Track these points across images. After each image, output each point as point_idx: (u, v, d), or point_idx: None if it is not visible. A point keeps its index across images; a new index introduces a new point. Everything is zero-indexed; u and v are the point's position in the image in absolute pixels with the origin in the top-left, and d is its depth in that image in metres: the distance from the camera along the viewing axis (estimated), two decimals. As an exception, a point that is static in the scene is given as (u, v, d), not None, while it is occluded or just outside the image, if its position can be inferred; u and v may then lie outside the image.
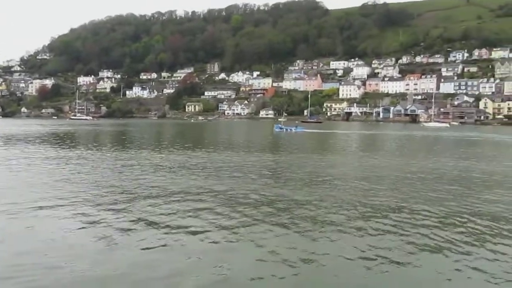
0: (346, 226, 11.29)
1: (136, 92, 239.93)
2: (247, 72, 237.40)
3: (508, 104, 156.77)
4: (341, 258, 8.97)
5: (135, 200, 14.08)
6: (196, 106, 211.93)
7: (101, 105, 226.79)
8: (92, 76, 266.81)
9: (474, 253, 9.41)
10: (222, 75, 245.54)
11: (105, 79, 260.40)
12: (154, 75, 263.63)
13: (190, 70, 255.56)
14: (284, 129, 69.55)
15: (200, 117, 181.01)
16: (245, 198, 14.61)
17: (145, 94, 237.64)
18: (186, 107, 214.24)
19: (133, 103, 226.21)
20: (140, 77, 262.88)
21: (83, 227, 10.77)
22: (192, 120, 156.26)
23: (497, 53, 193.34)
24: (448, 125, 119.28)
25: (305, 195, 15.26)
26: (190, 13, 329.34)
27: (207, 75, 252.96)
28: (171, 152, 30.65)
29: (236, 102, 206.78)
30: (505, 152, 38.78)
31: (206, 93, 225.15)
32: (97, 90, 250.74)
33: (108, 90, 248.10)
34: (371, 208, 13.38)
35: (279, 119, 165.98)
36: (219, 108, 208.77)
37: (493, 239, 10.40)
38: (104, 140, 50.03)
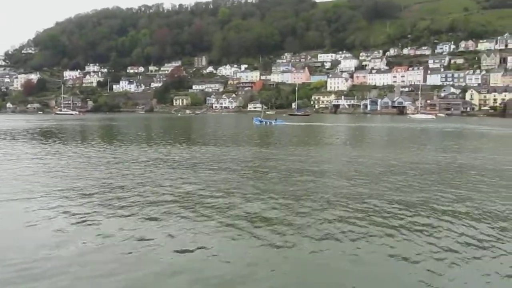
0: (320, 218, 11.06)
1: (123, 86, 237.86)
2: (235, 65, 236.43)
3: (494, 96, 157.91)
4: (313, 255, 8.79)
5: (101, 193, 13.84)
6: (184, 100, 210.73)
7: (87, 99, 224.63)
8: (78, 71, 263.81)
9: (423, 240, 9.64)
10: (210, 69, 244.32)
11: (92, 73, 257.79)
12: (141, 69, 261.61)
13: (177, 63, 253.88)
14: (264, 122, 68.86)
15: (187, 111, 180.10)
16: (208, 195, 14.28)
17: (132, 88, 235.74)
18: (174, 101, 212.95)
19: (120, 98, 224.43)
20: (127, 71, 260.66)
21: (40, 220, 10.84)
22: (178, 114, 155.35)
23: (483, 45, 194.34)
24: (434, 116, 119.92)
25: (280, 189, 14.98)
26: (177, 6, 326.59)
27: (194, 69, 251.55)
28: (150, 147, 30.26)
29: (224, 95, 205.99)
30: (486, 143, 38.83)
31: (193, 87, 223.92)
32: (84, 85, 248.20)
33: (94, 84, 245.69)
34: (346, 201, 13.15)
35: (266, 112, 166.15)
36: (207, 102, 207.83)
37: (456, 229, 10.37)
38: (86, 135, 49.33)
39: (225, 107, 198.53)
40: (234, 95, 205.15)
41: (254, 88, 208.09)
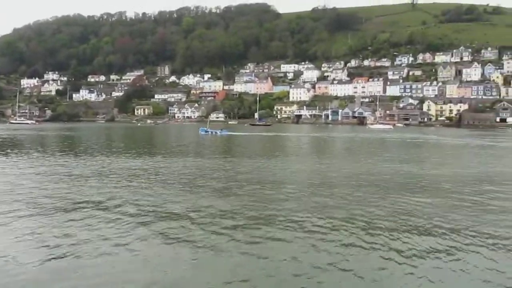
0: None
1: (83, 95, 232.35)
2: (198, 75, 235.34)
3: (450, 107, 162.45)
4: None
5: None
6: (146, 109, 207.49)
7: (46, 108, 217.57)
8: (37, 79, 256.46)
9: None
10: (173, 78, 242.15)
11: (51, 82, 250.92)
12: (102, 78, 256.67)
13: (140, 72, 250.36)
14: (210, 132, 69.17)
15: (148, 121, 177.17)
16: (144, 208, 13.51)
17: (92, 97, 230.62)
18: (136, 110, 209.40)
19: (80, 107, 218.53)
20: (88, 79, 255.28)
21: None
22: (138, 124, 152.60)
23: (440, 58, 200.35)
24: (392, 127, 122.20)
25: (214, 203, 14.29)
26: (140, 15, 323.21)
27: (157, 78, 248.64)
28: (94, 158, 29.07)
29: (186, 105, 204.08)
30: (435, 154, 39.30)
31: (156, 96, 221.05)
32: (42, 93, 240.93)
33: (53, 93, 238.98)
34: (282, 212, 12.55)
35: (229, 122, 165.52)
36: (169, 112, 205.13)
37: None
38: (33, 145, 47.24)
39: (188, 117, 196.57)
40: (196, 104, 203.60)
41: (217, 97, 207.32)
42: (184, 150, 38.21)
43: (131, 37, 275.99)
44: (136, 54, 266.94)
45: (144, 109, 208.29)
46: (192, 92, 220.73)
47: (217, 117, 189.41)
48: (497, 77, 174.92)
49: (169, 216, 12.91)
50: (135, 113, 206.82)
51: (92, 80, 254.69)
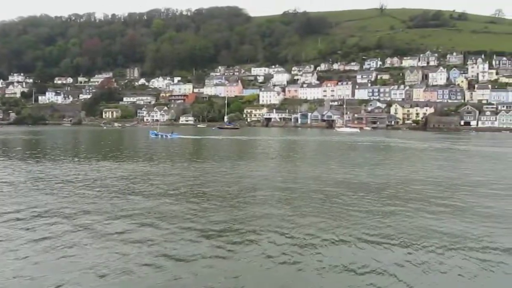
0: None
1: (49, 97, 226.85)
2: (168, 78, 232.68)
3: (416, 110, 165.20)
4: None
5: None
6: (114, 113, 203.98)
7: (10, 111, 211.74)
8: (1, 81, 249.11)
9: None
10: (142, 81, 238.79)
11: (16, 84, 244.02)
12: (69, 80, 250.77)
13: (108, 75, 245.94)
14: (160, 136, 69.50)
15: (116, 124, 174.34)
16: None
17: (59, 99, 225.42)
18: (103, 113, 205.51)
19: (46, 109, 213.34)
20: (54, 81, 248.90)
21: None
22: (104, 127, 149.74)
23: (407, 62, 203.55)
24: (358, 130, 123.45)
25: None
26: (109, 16, 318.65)
27: (126, 80, 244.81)
28: (40, 163, 27.86)
29: (155, 108, 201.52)
30: (390, 157, 39.34)
31: (125, 99, 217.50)
32: (6, 95, 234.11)
33: (18, 95, 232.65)
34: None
35: (198, 125, 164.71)
36: (138, 115, 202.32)
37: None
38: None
39: (157, 120, 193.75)
40: (166, 107, 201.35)
41: (187, 101, 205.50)
42: (120, 155, 37.21)
43: (100, 39, 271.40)
44: (105, 56, 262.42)
45: (112, 112, 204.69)
46: (161, 95, 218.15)
47: (187, 121, 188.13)
48: (462, 81, 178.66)
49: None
50: (103, 116, 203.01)
51: (59, 82, 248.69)
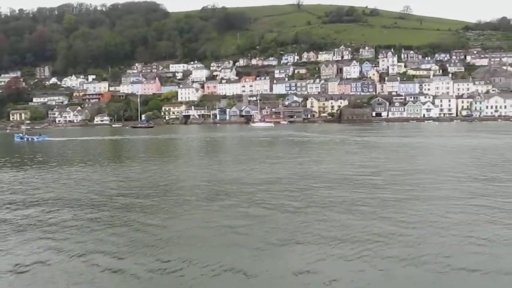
0: None
1: None
2: (82, 76, 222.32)
3: (331, 103, 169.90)
4: None
5: None
6: (23, 114, 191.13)
7: None
8: None
9: None
10: (54, 80, 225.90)
11: None
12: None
13: (16, 74, 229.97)
14: (25, 139, 66.45)
15: (23, 127, 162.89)
16: None
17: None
18: (11, 115, 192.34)
19: None
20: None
21: None
22: (7, 131, 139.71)
23: (322, 56, 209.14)
24: (273, 125, 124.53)
25: None
26: (17, 11, 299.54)
27: (36, 80, 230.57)
28: None
29: (68, 108, 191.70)
30: (285, 152, 38.98)
31: (34, 100, 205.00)
32: None
33: None
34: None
35: (113, 125, 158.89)
36: (50, 116, 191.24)
37: None
38: None
39: (70, 121, 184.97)
40: (79, 107, 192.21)
41: (102, 99, 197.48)
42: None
43: (6, 35, 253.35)
44: (12, 54, 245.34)
45: (21, 114, 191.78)
46: (75, 94, 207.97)
47: (102, 120, 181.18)
48: (373, 74, 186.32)
49: None
50: (11, 119, 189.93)
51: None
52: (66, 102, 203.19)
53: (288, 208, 14.47)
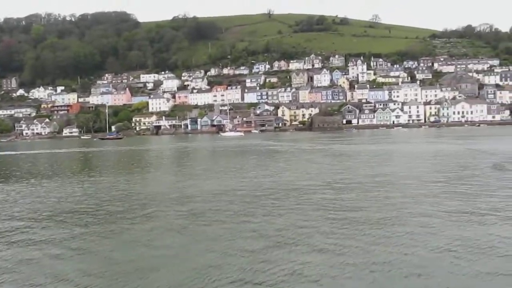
0: None
1: None
2: (50, 88, 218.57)
3: (302, 111, 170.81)
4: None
5: None
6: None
7: None
8: None
9: None
10: (21, 91, 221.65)
11: None
12: None
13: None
14: None
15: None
16: None
17: None
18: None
19: None
20: None
21: None
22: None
23: (293, 65, 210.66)
24: (243, 134, 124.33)
25: None
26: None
27: (2, 92, 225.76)
28: None
29: (35, 120, 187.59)
30: (243, 163, 38.50)
31: (1, 112, 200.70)
32: None
33: None
34: None
35: (82, 137, 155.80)
36: (16, 129, 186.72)
37: None
38: None
39: (37, 133, 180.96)
40: (47, 120, 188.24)
41: (71, 111, 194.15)
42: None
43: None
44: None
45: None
46: (43, 106, 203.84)
47: (71, 132, 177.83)
48: (344, 82, 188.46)
49: None
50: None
51: None
52: (33, 114, 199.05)
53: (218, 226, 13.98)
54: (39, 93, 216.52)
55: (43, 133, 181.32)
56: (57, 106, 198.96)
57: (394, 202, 16.27)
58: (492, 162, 29.33)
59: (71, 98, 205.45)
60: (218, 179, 25.15)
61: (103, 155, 60.49)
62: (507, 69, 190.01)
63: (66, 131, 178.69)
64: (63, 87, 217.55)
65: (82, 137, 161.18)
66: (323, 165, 32.49)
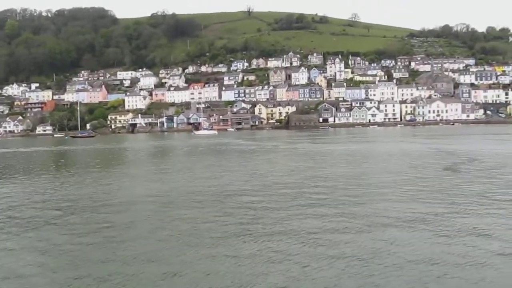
0: None
1: None
2: (24, 84, 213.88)
3: (279, 110, 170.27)
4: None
5: None
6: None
7: None
8: None
9: None
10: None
11: None
12: None
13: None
14: None
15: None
16: None
17: None
18: None
19: None
20: None
21: None
22: None
23: (272, 63, 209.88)
24: (216, 132, 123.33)
25: None
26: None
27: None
28: None
29: (8, 118, 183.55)
30: (201, 163, 37.71)
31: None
32: None
33: None
34: None
35: (55, 135, 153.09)
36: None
37: None
38: None
39: (10, 131, 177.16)
40: (21, 117, 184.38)
41: (45, 108, 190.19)
42: None
43: None
44: None
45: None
46: (16, 103, 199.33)
47: (44, 130, 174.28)
48: (321, 80, 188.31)
49: None
50: None
51: None
52: (6, 111, 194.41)
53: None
54: (12, 90, 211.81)
55: (15, 131, 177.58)
56: (31, 104, 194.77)
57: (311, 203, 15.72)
58: (448, 163, 29.31)
59: (46, 95, 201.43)
60: (153, 182, 24.34)
61: (65, 154, 59.07)
62: (482, 69, 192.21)
63: (39, 129, 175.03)
64: (37, 84, 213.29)
65: (55, 135, 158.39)
66: (283, 165, 31.92)
